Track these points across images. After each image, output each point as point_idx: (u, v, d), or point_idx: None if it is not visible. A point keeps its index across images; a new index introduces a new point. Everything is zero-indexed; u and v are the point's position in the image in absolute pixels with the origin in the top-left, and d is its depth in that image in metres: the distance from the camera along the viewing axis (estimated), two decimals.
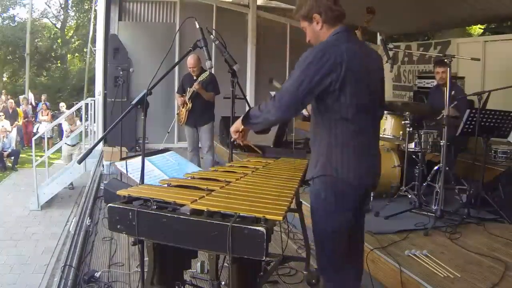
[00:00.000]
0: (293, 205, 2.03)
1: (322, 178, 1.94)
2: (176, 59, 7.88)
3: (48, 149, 8.62)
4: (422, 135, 4.03)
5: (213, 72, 5.04)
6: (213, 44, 3.27)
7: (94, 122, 8.32)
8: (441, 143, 3.61)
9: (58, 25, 26.08)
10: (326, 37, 1.96)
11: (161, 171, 2.75)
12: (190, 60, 5.09)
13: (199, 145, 5.54)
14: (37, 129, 13.31)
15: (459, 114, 4.02)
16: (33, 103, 15.25)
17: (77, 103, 11.16)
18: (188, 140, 5.51)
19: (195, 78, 5.18)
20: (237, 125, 2.09)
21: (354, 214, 2.00)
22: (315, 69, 1.81)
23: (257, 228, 1.44)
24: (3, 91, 16.25)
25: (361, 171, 1.94)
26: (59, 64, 25.09)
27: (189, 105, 5.22)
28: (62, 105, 14.50)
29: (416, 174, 4.04)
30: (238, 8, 9.26)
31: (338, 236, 1.95)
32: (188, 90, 5.19)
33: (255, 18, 9.10)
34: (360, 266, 2.20)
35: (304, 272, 2.99)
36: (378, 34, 9.03)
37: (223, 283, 2.25)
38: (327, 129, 1.93)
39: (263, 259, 1.48)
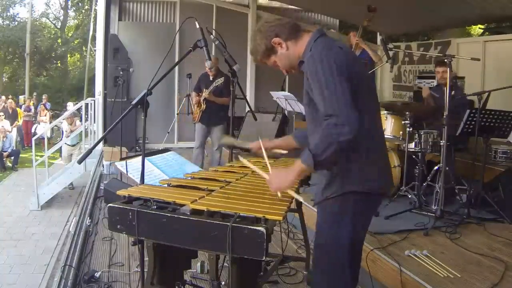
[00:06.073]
0: (293, 205, 2.03)
1: (344, 196, 1.77)
2: (176, 59, 7.88)
3: (48, 149, 8.62)
4: (422, 135, 4.03)
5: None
6: (213, 44, 3.27)
7: (94, 122, 8.32)
8: (441, 143, 3.61)
9: (58, 25, 26.11)
10: (300, 49, 1.83)
11: (161, 171, 2.75)
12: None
13: (208, 141, 5.56)
14: (35, 129, 13.30)
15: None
16: None
17: (77, 103, 11.16)
18: (197, 135, 5.52)
19: (211, 78, 5.21)
20: (292, 177, 1.69)
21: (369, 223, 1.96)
22: (338, 69, 1.63)
23: (257, 228, 1.45)
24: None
25: (385, 177, 1.87)
26: (59, 64, 25.12)
27: (203, 106, 5.26)
28: (69, 104, 14.62)
29: (416, 174, 4.04)
30: (238, 8, 9.26)
31: (354, 250, 1.85)
32: (204, 91, 5.21)
33: (255, 18, 9.09)
34: (358, 268, 2.20)
35: (304, 272, 2.98)
36: (378, 34, 9.03)
37: (223, 283, 2.25)
38: None
39: (263, 259, 1.48)
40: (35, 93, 17.28)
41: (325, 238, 1.86)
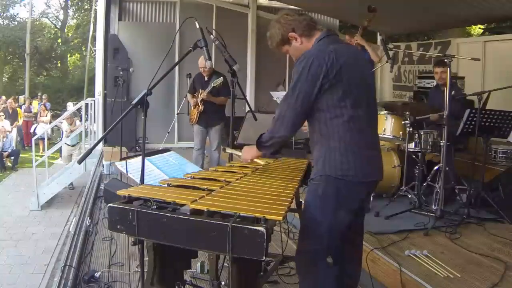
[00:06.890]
0: (293, 205, 2.03)
1: (322, 177, 1.96)
2: (176, 59, 7.88)
3: (47, 149, 8.62)
4: (422, 135, 4.03)
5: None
6: (213, 44, 3.27)
7: (94, 122, 8.32)
8: (441, 143, 3.61)
9: (58, 25, 26.11)
10: (310, 46, 2.02)
11: (161, 171, 2.75)
12: (201, 61, 5.07)
13: (207, 142, 5.55)
14: (35, 129, 13.28)
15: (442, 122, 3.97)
16: None
17: (77, 103, 11.17)
18: (196, 138, 5.49)
19: (206, 79, 5.19)
20: (253, 153, 2.22)
21: (353, 213, 2.00)
22: (307, 79, 1.87)
23: (257, 228, 1.44)
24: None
25: (363, 168, 1.94)
26: (59, 64, 25.13)
27: (201, 107, 5.23)
28: (69, 104, 14.62)
29: (416, 174, 4.04)
30: (238, 8, 9.26)
31: (332, 235, 1.94)
32: (200, 92, 5.18)
33: (255, 18, 9.09)
34: (357, 268, 2.21)
35: None
36: (378, 34, 9.03)
37: (223, 283, 2.25)
38: (323, 129, 1.95)
39: (263, 259, 1.48)
40: (39, 94, 17.27)
41: (306, 220, 2.02)
